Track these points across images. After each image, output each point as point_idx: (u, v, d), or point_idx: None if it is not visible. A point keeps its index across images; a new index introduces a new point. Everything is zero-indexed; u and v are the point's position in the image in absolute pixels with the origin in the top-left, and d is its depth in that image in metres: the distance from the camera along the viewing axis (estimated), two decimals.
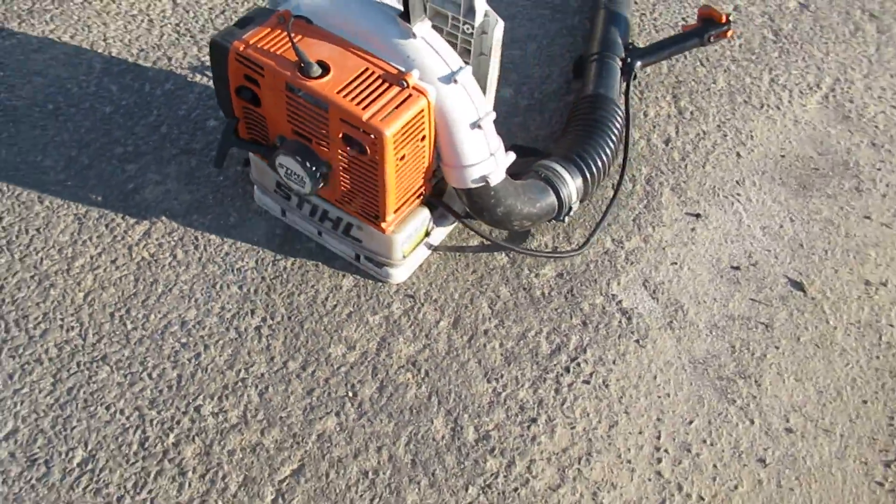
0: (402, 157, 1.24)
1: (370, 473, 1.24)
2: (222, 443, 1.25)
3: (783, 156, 1.74)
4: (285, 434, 1.27)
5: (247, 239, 1.49)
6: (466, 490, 1.23)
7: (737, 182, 1.68)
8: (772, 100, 1.85)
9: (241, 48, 1.25)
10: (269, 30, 1.27)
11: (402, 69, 1.22)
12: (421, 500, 1.21)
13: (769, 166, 1.71)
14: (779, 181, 1.69)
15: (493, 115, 1.28)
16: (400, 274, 1.45)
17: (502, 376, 1.36)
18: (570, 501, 1.23)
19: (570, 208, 1.50)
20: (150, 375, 1.31)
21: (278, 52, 1.24)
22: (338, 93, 1.19)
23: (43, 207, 1.50)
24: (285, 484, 1.22)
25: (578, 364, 1.38)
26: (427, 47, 1.22)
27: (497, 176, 1.32)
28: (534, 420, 1.31)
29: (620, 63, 1.74)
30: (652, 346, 1.42)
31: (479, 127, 1.26)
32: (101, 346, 1.34)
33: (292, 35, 1.22)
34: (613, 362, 1.39)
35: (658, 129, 1.76)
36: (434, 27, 1.32)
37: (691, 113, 1.80)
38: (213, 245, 1.48)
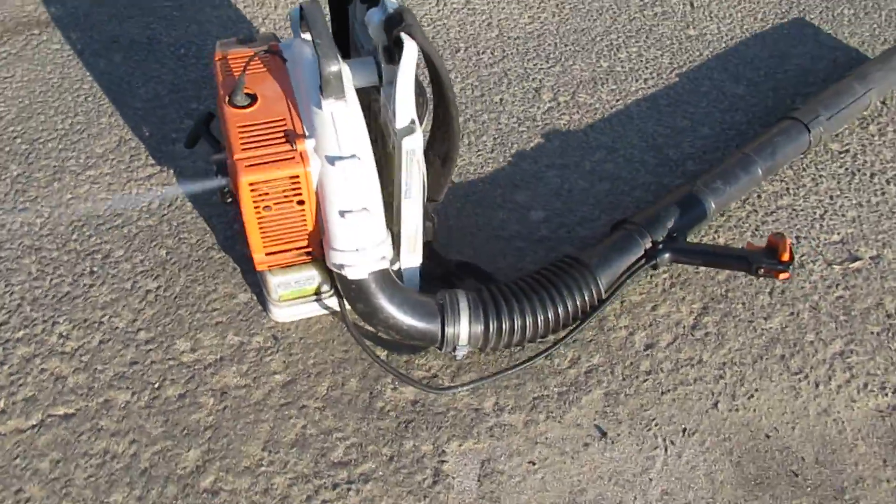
0: (267, 208, 1.27)
1: (108, 457, 1.32)
2: (39, 359, 1.42)
3: (769, 436, 1.39)
4: (84, 384, 1.40)
5: (208, 218, 1.63)
6: None
7: (684, 430, 1.39)
8: (819, 373, 1.47)
9: (217, 58, 1.38)
10: (251, 53, 1.38)
11: (308, 134, 1.25)
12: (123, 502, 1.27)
13: (740, 439, 1.38)
14: (735, 459, 1.36)
15: (368, 214, 1.24)
16: (278, 314, 1.48)
17: (278, 453, 1.33)
18: None
19: (455, 348, 1.39)
20: (51, 281, 1.53)
21: (235, 74, 1.35)
22: (238, 126, 1.27)
23: (107, 120, 1.80)
24: (50, 420, 1.36)
25: (350, 490, 1.30)
26: (330, 123, 1.23)
27: (355, 272, 1.29)
28: None
29: (650, 245, 1.53)
30: None
31: (344, 217, 1.24)
32: (47, 238, 1.59)
33: (249, 64, 1.32)
34: None
35: (651, 330, 1.51)
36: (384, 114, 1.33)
37: (706, 335, 1.52)
38: (183, 204, 1.65)
